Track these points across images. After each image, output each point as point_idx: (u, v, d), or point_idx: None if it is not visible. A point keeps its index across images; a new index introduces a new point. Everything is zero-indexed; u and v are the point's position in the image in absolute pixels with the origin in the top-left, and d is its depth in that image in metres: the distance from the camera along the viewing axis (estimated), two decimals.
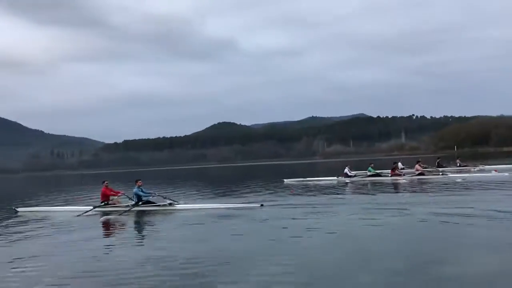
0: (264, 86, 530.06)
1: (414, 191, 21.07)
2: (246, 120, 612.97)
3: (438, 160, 34.75)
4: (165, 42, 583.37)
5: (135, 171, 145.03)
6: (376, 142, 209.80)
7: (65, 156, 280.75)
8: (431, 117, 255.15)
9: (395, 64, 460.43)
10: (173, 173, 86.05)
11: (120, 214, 16.31)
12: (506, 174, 25.96)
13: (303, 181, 30.81)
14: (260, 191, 24.70)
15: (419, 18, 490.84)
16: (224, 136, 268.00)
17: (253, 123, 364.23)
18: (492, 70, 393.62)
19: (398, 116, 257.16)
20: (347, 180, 28.93)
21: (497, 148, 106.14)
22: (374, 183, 26.22)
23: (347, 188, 24.97)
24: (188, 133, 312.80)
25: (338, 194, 21.35)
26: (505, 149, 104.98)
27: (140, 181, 17.52)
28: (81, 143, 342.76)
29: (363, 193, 20.91)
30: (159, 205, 17.04)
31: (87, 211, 17.06)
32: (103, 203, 17.76)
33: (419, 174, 28.04)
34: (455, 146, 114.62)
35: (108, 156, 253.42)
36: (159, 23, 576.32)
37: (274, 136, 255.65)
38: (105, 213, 16.77)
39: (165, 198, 17.96)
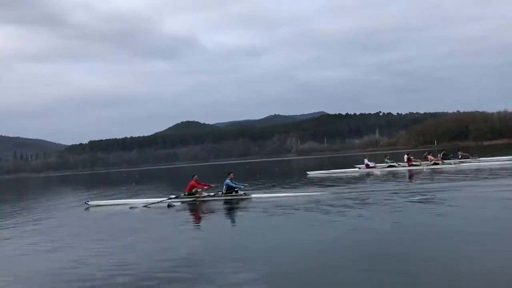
0: (225, 85, 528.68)
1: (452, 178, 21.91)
2: (208, 118, 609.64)
3: (442, 153, 36.22)
4: (125, 41, 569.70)
5: (104, 172, 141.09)
6: (346, 138, 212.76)
7: (29, 158, 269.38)
8: (397, 113, 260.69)
9: (356, 62, 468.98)
10: (151, 173, 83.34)
11: (204, 200, 17.84)
12: (509, 162, 29.23)
13: (327, 173, 32.18)
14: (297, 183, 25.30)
15: (379, 17, 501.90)
16: (193, 135, 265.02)
17: (216, 121, 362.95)
18: (449, 68, 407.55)
19: (366, 113, 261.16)
20: (368, 170, 31.75)
21: (477, 142, 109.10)
22: (393, 173, 28.23)
23: (376, 177, 26.50)
24: (151, 132, 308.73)
25: (384, 182, 22.34)
26: (485, 143, 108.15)
27: (232, 174, 18.73)
28: (37, 145, 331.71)
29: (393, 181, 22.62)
30: (236, 195, 17.98)
31: (170, 201, 17.92)
32: (183, 194, 18.54)
33: (433, 164, 30.51)
34: (435, 141, 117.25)
35: (74, 158, 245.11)
36: (118, 21, 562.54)
37: (245, 134, 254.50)
38: (183, 203, 17.72)
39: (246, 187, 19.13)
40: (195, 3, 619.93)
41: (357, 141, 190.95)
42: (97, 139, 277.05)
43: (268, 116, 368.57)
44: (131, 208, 17.52)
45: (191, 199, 18.16)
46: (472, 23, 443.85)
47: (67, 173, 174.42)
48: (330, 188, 19.99)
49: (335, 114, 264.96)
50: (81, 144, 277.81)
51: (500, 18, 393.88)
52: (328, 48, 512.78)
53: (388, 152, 68.51)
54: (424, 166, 30.48)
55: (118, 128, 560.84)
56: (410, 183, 21.16)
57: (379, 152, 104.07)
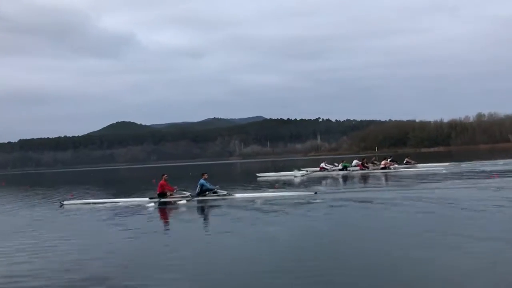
0: (163, 86, 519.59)
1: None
2: (145, 119, 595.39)
3: (390, 159, 37.59)
4: (60, 36, 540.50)
5: (37, 173, 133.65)
6: (288, 143, 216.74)
7: None
8: (336, 120, 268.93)
9: (290, 69, 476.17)
10: (92, 175, 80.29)
11: (180, 201, 17.30)
12: (444, 170, 31.04)
13: (275, 175, 33.64)
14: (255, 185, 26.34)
15: (309, 25, 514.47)
16: (132, 135, 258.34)
17: (153, 123, 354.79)
18: (377, 77, 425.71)
19: (306, 119, 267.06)
20: (323, 173, 33.13)
21: (415, 149, 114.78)
22: (347, 176, 30.27)
23: (344, 179, 28.04)
24: (84, 132, 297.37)
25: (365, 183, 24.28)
26: (423, 150, 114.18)
27: (206, 174, 18.46)
28: None
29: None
30: (218, 195, 17.91)
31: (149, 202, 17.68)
32: (159, 195, 17.89)
33: (382, 168, 32.33)
34: (376, 147, 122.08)
35: (3, 157, 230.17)
36: (52, 16, 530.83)
37: (187, 135, 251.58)
38: (164, 204, 17.35)
39: (218, 189, 18.66)
40: (134, 2, 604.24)
41: (299, 146, 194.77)
42: (28, 138, 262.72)
43: (207, 119, 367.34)
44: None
45: (166, 200, 17.73)
46: (397, 35, 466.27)
47: None
48: (315, 188, 20.92)
49: (277, 119, 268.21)
50: (9, 142, 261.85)
51: (423, 32, 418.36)
52: (264, 54, 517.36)
53: (330, 157, 70.70)
54: (372, 170, 32.35)
55: (50, 127, 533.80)
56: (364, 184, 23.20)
57: (322, 157, 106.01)
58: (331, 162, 37.76)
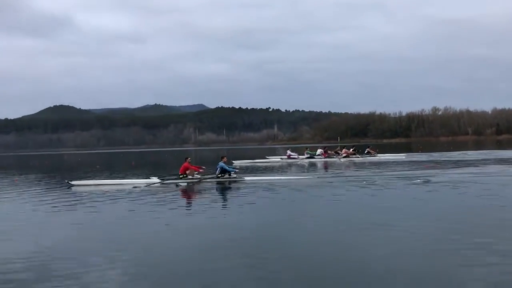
0: (101, 70, 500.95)
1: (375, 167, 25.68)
2: (81, 103, 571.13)
3: (353, 147, 40.52)
4: None
5: None
6: (241, 132, 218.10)
7: None
8: (286, 110, 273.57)
9: (233, 58, 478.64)
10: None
11: (197, 182, 18.37)
12: (404, 156, 35.66)
13: (251, 162, 34.57)
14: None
15: (257, 17, 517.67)
16: (81, 120, 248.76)
17: (90, 107, 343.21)
18: (317, 71, 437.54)
19: (258, 108, 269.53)
20: (290, 161, 35.15)
21: (377, 140, 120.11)
22: (313, 163, 32.35)
23: (313, 166, 29.39)
24: (18, 115, 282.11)
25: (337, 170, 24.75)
26: (385, 141, 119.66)
27: (225, 157, 19.61)
28: None
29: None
30: (229, 177, 18.82)
31: (154, 183, 18.20)
32: (174, 176, 19.23)
33: (345, 157, 35.39)
34: (339, 137, 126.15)
35: None
36: None
37: (137, 122, 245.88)
38: (176, 185, 18.20)
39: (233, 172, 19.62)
40: None
41: (256, 135, 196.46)
42: None
43: (146, 105, 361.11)
44: (134, 187, 17.02)
45: (185, 180, 18.73)
46: (339, 31, 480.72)
47: None
48: (312, 174, 22.38)
49: (230, 107, 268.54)
50: None
51: (364, 29, 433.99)
52: (208, 42, 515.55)
53: (291, 146, 73.14)
54: (336, 158, 34.94)
55: None
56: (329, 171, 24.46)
57: (284, 146, 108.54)
58: (294, 150, 39.60)
